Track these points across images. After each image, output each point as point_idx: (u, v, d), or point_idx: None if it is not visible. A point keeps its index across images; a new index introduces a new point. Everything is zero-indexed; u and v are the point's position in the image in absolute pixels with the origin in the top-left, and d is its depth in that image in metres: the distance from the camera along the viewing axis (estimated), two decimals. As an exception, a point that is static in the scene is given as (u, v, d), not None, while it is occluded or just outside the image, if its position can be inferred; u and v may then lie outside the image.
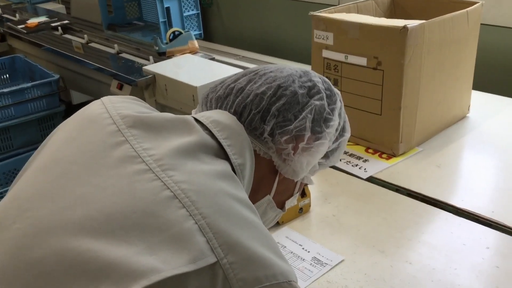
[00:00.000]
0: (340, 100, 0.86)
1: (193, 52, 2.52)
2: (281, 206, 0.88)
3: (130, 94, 2.37)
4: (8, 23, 3.40)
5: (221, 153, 0.72)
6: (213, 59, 2.47)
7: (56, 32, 3.19)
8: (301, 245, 1.31)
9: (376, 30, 1.57)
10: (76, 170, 0.64)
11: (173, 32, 2.50)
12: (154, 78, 2.27)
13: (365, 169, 1.59)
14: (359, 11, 1.93)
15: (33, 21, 3.35)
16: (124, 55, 2.67)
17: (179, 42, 2.50)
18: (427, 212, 1.37)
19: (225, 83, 0.82)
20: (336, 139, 0.86)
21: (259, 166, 0.78)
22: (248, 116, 0.78)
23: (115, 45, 2.73)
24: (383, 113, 1.62)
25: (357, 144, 1.73)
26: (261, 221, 0.69)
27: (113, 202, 0.60)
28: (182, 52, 2.50)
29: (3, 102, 2.50)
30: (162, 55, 2.50)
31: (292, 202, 0.91)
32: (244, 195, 0.68)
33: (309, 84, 0.82)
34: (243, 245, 0.61)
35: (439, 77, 1.66)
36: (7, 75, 3.12)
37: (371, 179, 1.54)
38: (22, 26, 3.27)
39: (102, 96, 0.80)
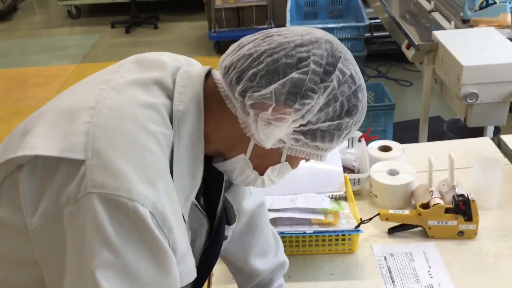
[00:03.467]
0: (341, 81, 0.76)
1: (502, 26, 2.22)
2: (262, 170, 0.85)
3: (413, 57, 2.32)
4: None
5: (172, 96, 0.80)
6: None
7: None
8: (429, 268, 1.19)
9: None
10: (78, 84, 0.86)
11: (486, 0, 2.24)
12: (437, 46, 2.14)
13: None
14: None
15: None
16: (435, 14, 2.56)
17: (489, 12, 2.23)
18: None
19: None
20: (331, 120, 0.77)
21: (236, 124, 0.80)
22: (231, 73, 0.79)
23: (432, 2, 2.63)
24: None
25: None
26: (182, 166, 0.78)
27: (68, 102, 0.80)
28: (489, 24, 2.23)
29: (314, 36, 2.79)
30: (465, 23, 2.30)
31: (279, 171, 0.85)
32: (158, 128, 0.76)
33: (302, 55, 0.75)
34: (110, 155, 0.71)
35: None
36: (342, 12, 3.40)
37: None
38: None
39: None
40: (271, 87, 0.75)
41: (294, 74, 0.75)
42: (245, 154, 0.83)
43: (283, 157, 0.83)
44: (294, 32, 0.79)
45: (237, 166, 0.84)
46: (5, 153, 0.78)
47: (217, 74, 0.83)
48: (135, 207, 0.69)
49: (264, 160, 0.84)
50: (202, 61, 0.96)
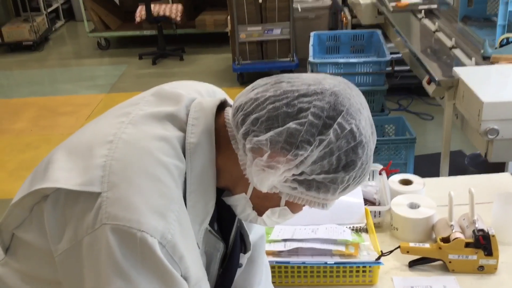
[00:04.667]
0: (339, 136, 0.76)
1: (523, 63, 2.25)
2: (261, 211, 0.88)
3: (433, 92, 2.36)
4: (387, -1, 3.69)
5: (185, 127, 0.84)
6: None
7: (418, 15, 3.30)
8: (449, 301, 1.20)
9: None
10: (101, 116, 0.92)
11: (507, 38, 2.28)
12: (458, 82, 2.18)
13: None
14: None
15: (405, 1, 3.53)
16: (456, 50, 2.61)
17: (510, 50, 2.26)
18: None
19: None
20: (326, 173, 0.78)
21: (239, 164, 0.83)
22: (238, 114, 0.81)
23: (453, 39, 2.68)
24: None
25: None
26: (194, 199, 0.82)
27: (90, 135, 0.86)
28: (509, 61, 2.26)
29: (336, 71, 2.85)
30: (486, 60, 2.34)
31: (279, 214, 0.87)
32: (171, 160, 0.80)
33: (303, 105, 0.77)
34: (124, 188, 0.76)
35: None
36: (363, 47, 3.46)
37: None
38: (394, 4, 3.50)
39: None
40: (268, 134, 0.77)
41: (292, 124, 0.77)
42: (245, 193, 0.87)
43: (282, 202, 0.85)
44: (303, 80, 0.81)
45: (239, 204, 0.88)
46: (32, 183, 0.85)
47: (229, 112, 0.87)
48: (143, 237, 0.75)
49: (263, 202, 0.87)
50: (226, 92, 1.01)
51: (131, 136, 0.82)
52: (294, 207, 0.87)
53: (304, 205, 0.87)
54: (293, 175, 0.79)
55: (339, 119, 0.77)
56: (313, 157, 0.77)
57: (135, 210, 0.75)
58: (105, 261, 0.75)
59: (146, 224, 0.75)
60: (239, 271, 1.03)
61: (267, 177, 0.80)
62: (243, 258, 1.03)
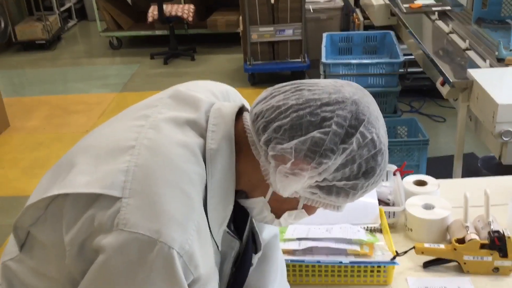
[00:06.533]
0: (360, 144, 0.78)
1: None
2: (279, 213, 0.89)
3: (447, 94, 2.35)
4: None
5: (205, 134, 0.85)
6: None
7: (432, 17, 3.29)
8: (464, 302, 1.20)
9: None
10: (118, 117, 0.93)
11: (522, 40, 2.27)
12: (472, 84, 2.17)
13: None
14: None
15: (419, 2, 3.52)
16: (470, 52, 2.60)
17: (525, 52, 2.25)
18: None
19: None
20: (347, 180, 0.80)
21: (259, 169, 0.84)
22: (259, 121, 0.82)
23: (467, 41, 2.66)
24: None
25: None
26: (216, 202, 0.82)
27: (109, 138, 0.86)
28: (524, 63, 2.26)
29: (348, 71, 2.85)
30: (500, 62, 2.33)
31: (295, 216, 0.89)
32: (192, 168, 0.80)
33: (326, 115, 0.78)
34: (145, 197, 0.76)
35: None
36: (376, 48, 3.46)
37: None
38: (407, 5, 3.49)
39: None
40: (292, 143, 0.79)
41: (316, 133, 0.78)
42: (264, 197, 0.88)
43: (300, 205, 0.88)
44: (324, 88, 0.82)
45: (256, 207, 0.90)
46: (51, 185, 0.86)
47: (247, 118, 0.87)
48: (161, 248, 0.75)
49: (282, 205, 0.89)
50: (237, 92, 1.01)
51: (153, 142, 0.83)
52: (309, 209, 0.89)
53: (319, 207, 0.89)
54: (316, 181, 0.81)
55: (361, 128, 0.79)
56: (336, 165, 0.79)
57: (156, 220, 0.76)
58: (117, 266, 0.76)
59: (165, 235, 0.76)
60: (251, 270, 1.03)
61: (290, 184, 0.81)
62: (254, 258, 1.04)
